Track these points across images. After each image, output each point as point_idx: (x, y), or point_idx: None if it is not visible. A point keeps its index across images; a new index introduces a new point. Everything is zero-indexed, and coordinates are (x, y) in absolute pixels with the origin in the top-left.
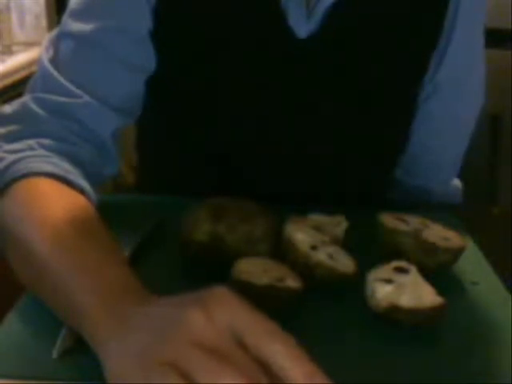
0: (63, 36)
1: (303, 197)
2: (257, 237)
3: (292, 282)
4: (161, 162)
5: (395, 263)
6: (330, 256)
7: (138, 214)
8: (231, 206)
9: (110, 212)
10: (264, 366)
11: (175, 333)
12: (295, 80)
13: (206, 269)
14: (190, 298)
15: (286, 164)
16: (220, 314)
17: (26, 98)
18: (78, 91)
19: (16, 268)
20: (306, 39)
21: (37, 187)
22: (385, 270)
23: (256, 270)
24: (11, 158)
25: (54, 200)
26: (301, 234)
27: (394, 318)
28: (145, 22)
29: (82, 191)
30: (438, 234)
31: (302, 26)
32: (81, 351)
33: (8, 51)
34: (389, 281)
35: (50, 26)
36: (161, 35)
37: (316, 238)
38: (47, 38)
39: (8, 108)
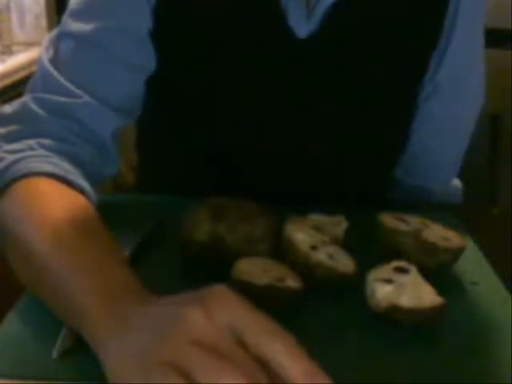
0: (63, 36)
1: (303, 197)
2: (257, 237)
3: (292, 282)
4: (161, 162)
5: (395, 263)
6: (330, 256)
7: (138, 214)
8: (231, 205)
9: (110, 212)
10: (264, 365)
11: (175, 332)
12: (295, 80)
13: (206, 269)
14: (189, 297)
15: (285, 164)
16: (220, 313)
17: (25, 98)
18: (78, 91)
19: (16, 268)
20: (306, 39)
21: (37, 187)
22: (385, 270)
23: (256, 269)
24: (11, 158)
25: (54, 200)
26: (301, 234)
27: (394, 317)
28: (145, 22)
29: (82, 191)
30: (438, 233)
31: (302, 26)
32: (81, 351)
33: (8, 51)
34: (389, 281)
35: (50, 26)
36: (161, 35)
37: (316, 237)
38: (47, 38)
39: (8, 108)
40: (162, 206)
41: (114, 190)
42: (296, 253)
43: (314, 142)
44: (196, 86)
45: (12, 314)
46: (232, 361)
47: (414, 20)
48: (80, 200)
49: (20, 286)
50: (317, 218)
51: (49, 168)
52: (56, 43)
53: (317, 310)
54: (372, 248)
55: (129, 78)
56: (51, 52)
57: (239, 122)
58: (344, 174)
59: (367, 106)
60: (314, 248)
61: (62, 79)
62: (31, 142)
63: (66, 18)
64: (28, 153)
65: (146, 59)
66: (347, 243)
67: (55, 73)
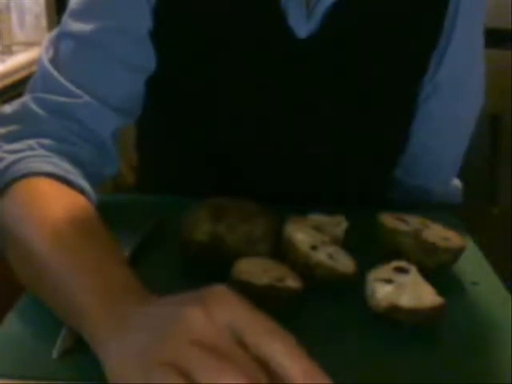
0: (63, 36)
1: (303, 197)
2: (257, 237)
3: (292, 282)
4: (161, 162)
5: (395, 263)
6: (330, 256)
7: (138, 214)
8: (231, 205)
9: (110, 212)
10: (264, 365)
11: (175, 332)
12: (295, 80)
13: (206, 269)
14: (189, 296)
15: (285, 164)
16: (220, 313)
17: (26, 98)
18: (78, 91)
19: (16, 268)
20: (306, 39)
21: (37, 187)
22: (385, 270)
23: (256, 269)
24: (11, 158)
25: (54, 200)
26: (301, 234)
27: (394, 317)
28: (145, 22)
29: (82, 191)
30: (438, 233)
31: (302, 26)
32: (81, 351)
33: (8, 51)
34: (389, 281)
35: (50, 26)
36: (161, 35)
37: (316, 237)
38: (47, 38)
39: (8, 108)
40: (162, 206)
41: (114, 190)
42: (296, 253)
43: (314, 142)
44: (196, 85)
45: (12, 314)
46: (232, 361)
47: (414, 20)
48: (80, 200)
49: (20, 286)
50: (317, 217)
51: (49, 168)
52: (56, 43)
53: (317, 309)
54: (372, 248)
55: (129, 78)
56: (51, 52)
57: (239, 122)
58: (344, 174)
59: (367, 106)
60: (314, 248)
61: (62, 79)
62: (31, 141)
63: (65, 17)
64: (28, 153)
65: (146, 59)
66: (347, 243)
67: (55, 73)
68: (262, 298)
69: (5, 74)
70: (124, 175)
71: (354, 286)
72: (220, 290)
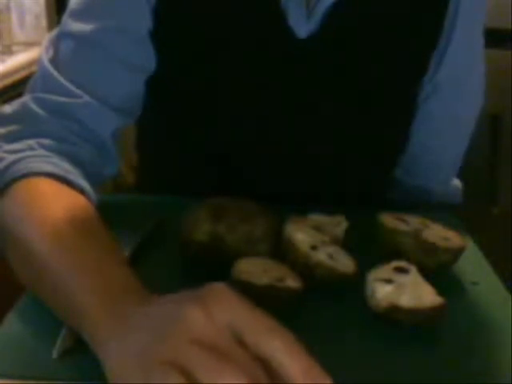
0: (63, 36)
1: (303, 197)
2: (257, 237)
3: (292, 282)
4: (161, 162)
5: (395, 263)
6: (330, 256)
7: (138, 214)
8: (231, 205)
9: (110, 212)
10: (264, 364)
11: (175, 332)
12: (295, 80)
13: (206, 269)
14: (189, 296)
15: (286, 164)
16: (219, 312)
17: (26, 98)
18: (78, 91)
19: (16, 268)
20: (306, 39)
21: (37, 187)
22: (385, 270)
23: (256, 269)
24: (11, 158)
25: (54, 200)
26: (301, 234)
27: (394, 317)
28: (145, 22)
29: (82, 191)
30: (438, 234)
31: (302, 26)
32: (81, 351)
33: (8, 51)
34: (389, 281)
35: (50, 26)
36: (161, 35)
37: (316, 237)
38: (47, 38)
39: (8, 108)
40: (162, 206)
41: (114, 190)
42: (296, 253)
43: (314, 142)
44: (196, 85)
45: (12, 314)
46: (232, 360)
47: (414, 20)
48: (80, 200)
49: (20, 286)
50: (317, 217)
51: (49, 168)
52: (56, 43)
53: (317, 310)
54: (372, 248)
55: (129, 78)
56: (51, 52)
57: (239, 122)
58: (344, 174)
59: (367, 106)
60: (314, 248)
61: (62, 79)
62: (31, 142)
63: (65, 17)
64: (28, 153)
65: (146, 59)
66: (347, 243)
67: (55, 73)
68: (261, 298)
69: (5, 74)
70: (124, 175)
71: (354, 286)
72: (219, 289)
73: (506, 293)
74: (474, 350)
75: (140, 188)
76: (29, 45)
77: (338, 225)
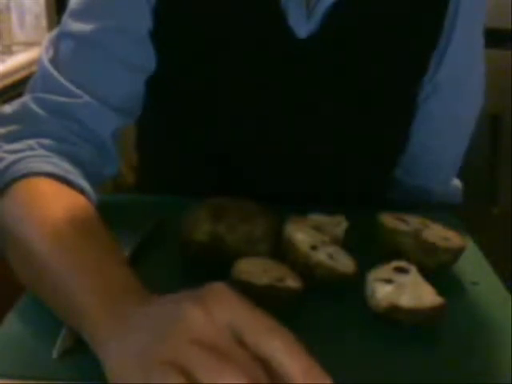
0: (63, 36)
1: (303, 197)
2: (257, 237)
3: (292, 282)
4: (161, 162)
5: (395, 263)
6: (330, 256)
7: (138, 214)
8: (231, 205)
9: (110, 212)
10: (264, 364)
11: (175, 331)
12: (295, 80)
13: (206, 269)
14: (189, 295)
15: (286, 164)
16: (219, 312)
17: (26, 98)
18: (78, 91)
19: (16, 268)
20: (306, 39)
21: (37, 187)
22: (385, 270)
23: (256, 269)
24: (11, 158)
25: (54, 200)
26: (301, 234)
27: (394, 317)
28: (145, 22)
29: (82, 191)
30: (438, 234)
31: (302, 26)
32: (81, 351)
33: (8, 51)
34: (389, 281)
35: (50, 26)
36: (161, 35)
37: (316, 237)
38: (47, 37)
39: (8, 108)
40: (162, 206)
41: (114, 190)
42: (296, 253)
43: (314, 142)
44: (196, 85)
45: (12, 314)
46: (232, 360)
47: (414, 20)
48: (80, 200)
49: (20, 286)
50: (317, 217)
51: (49, 168)
52: (56, 43)
53: (317, 310)
54: (372, 248)
55: (129, 78)
56: (51, 52)
57: (239, 122)
58: (344, 174)
59: (367, 106)
60: (314, 248)
61: (62, 79)
62: (31, 141)
63: (65, 17)
64: (28, 153)
65: (146, 59)
66: (347, 243)
67: (55, 73)
68: (261, 298)
69: (5, 74)
70: (124, 175)
71: (354, 286)
72: (219, 288)
73: (506, 293)
74: (474, 350)
75: (140, 188)
76: (29, 45)
77: (338, 225)
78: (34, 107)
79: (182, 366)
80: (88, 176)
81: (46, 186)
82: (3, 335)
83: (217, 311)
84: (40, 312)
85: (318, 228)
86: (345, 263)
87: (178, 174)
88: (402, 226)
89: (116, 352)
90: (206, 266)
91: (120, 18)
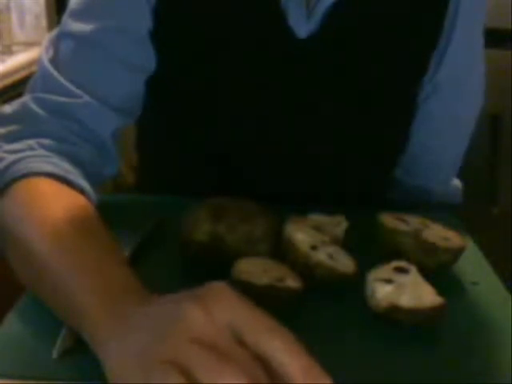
0: (63, 36)
1: (303, 197)
2: (257, 237)
3: (292, 282)
4: (161, 162)
5: (395, 263)
6: (330, 256)
7: (138, 214)
8: (231, 205)
9: (110, 212)
10: (264, 363)
11: (175, 331)
12: (295, 80)
13: (206, 269)
14: (188, 295)
15: (285, 164)
16: (219, 311)
17: (26, 98)
18: (78, 91)
19: (16, 268)
20: (306, 39)
21: (37, 187)
22: (385, 270)
23: (256, 269)
24: (11, 158)
25: (54, 200)
26: (301, 234)
27: (394, 317)
28: (145, 22)
29: (81, 191)
30: (438, 233)
31: (302, 26)
32: (81, 351)
33: (8, 51)
34: (389, 281)
35: (50, 26)
36: (161, 35)
37: (316, 237)
38: (47, 38)
39: (8, 108)
40: (162, 206)
41: (114, 190)
42: (296, 253)
43: (314, 142)
44: (196, 85)
45: (12, 314)
46: (232, 359)
47: (414, 20)
48: (80, 200)
49: (20, 286)
50: (317, 217)
51: (49, 168)
52: (56, 43)
53: (317, 310)
54: (372, 248)
55: (129, 78)
56: (51, 52)
57: (239, 122)
58: (344, 174)
59: (367, 106)
60: (314, 248)
61: (62, 79)
62: (31, 141)
63: (65, 17)
64: (28, 153)
65: (146, 59)
66: (347, 243)
67: (55, 73)
68: (261, 298)
69: (5, 73)
70: (124, 175)
71: (354, 286)
72: (219, 288)
73: (506, 293)
74: (474, 350)
75: (140, 188)
76: (29, 45)
77: (338, 225)
78: (34, 107)
79: (182, 366)
80: (88, 176)
81: (46, 186)
82: (3, 335)
83: (217, 311)
84: (40, 312)
85: (318, 228)
86: (345, 263)
87: (178, 174)
88: (402, 226)
89: (116, 352)
90: (205, 266)
91: (120, 17)
